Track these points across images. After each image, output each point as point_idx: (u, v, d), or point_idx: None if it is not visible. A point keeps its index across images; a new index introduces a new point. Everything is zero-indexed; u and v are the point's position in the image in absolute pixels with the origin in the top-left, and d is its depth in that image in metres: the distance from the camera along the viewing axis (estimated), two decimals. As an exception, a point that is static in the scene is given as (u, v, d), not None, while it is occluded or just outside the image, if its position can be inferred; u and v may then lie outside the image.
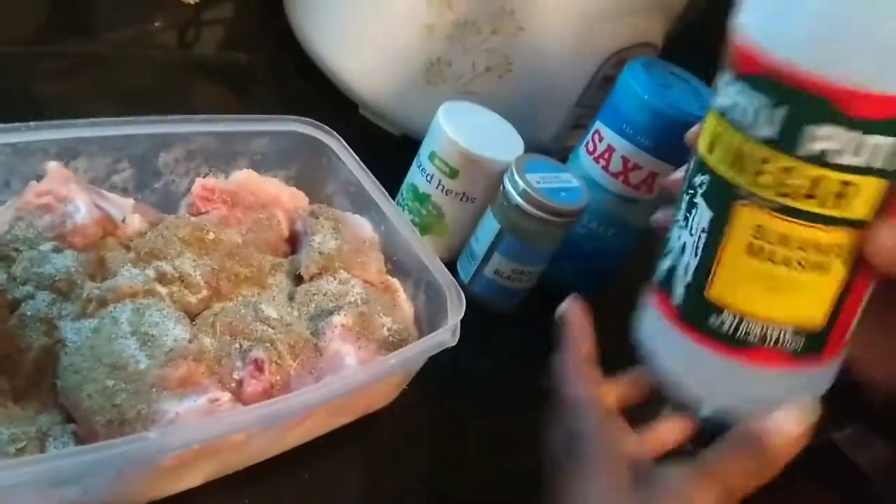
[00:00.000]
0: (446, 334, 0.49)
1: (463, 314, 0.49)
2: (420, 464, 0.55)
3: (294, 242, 0.57)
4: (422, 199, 0.65)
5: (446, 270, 0.52)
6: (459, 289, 0.51)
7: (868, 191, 0.32)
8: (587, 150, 0.64)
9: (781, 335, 0.35)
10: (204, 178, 0.55)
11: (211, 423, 0.40)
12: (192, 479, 0.44)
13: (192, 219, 0.51)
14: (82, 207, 0.47)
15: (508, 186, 0.60)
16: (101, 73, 0.76)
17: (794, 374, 0.36)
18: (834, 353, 0.37)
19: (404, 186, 0.66)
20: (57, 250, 0.46)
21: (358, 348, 0.47)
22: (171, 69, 0.80)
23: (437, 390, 0.57)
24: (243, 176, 0.56)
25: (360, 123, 0.79)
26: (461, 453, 0.57)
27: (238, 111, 0.80)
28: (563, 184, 0.61)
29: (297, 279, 0.54)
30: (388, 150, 0.77)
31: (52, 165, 0.48)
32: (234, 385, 0.45)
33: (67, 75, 0.75)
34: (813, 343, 0.36)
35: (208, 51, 0.84)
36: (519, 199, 0.59)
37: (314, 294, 0.51)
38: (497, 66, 0.69)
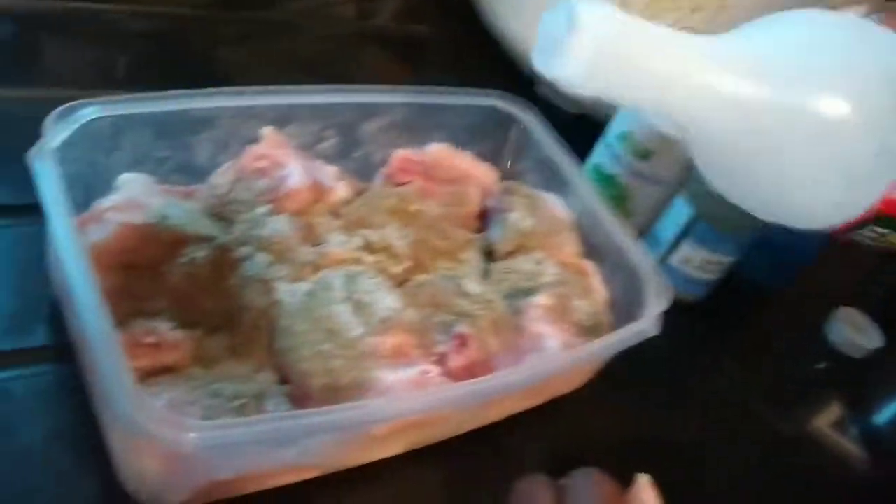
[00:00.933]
0: (648, 324, 0.47)
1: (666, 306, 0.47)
2: (602, 449, 0.54)
3: (484, 219, 0.56)
4: (606, 180, 0.63)
5: (648, 256, 0.50)
6: (662, 276, 0.49)
7: None
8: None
9: None
10: (401, 149, 0.55)
11: (426, 396, 0.40)
12: (395, 447, 0.44)
13: (396, 189, 0.51)
14: (295, 173, 0.48)
15: (707, 171, 0.57)
16: (282, 41, 0.78)
17: None
18: None
19: (586, 166, 0.65)
20: (272, 214, 0.47)
21: (560, 331, 0.46)
22: (348, 39, 0.81)
23: (620, 378, 0.55)
24: (438, 149, 0.56)
25: (535, 99, 0.78)
26: (643, 441, 0.55)
27: (413, 83, 0.80)
28: (766, 171, 0.58)
29: (488, 255, 0.54)
30: (561, 129, 0.75)
31: (268, 130, 0.49)
32: (436, 358, 0.45)
33: (249, 41, 0.77)
34: None
35: (385, 22, 0.85)
36: (718, 185, 0.56)
37: (509, 272, 0.51)
38: (693, 45, 0.65)
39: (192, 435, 0.33)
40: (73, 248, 0.37)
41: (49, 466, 0.41)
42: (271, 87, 0.48)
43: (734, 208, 0.57)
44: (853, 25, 0.36)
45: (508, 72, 0.77)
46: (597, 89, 0.32)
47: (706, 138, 0.35)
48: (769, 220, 0.38)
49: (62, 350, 0.44)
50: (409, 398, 0.39)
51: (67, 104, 0.42)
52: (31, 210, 0.42)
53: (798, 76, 0.34)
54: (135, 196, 0.43)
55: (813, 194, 0.36)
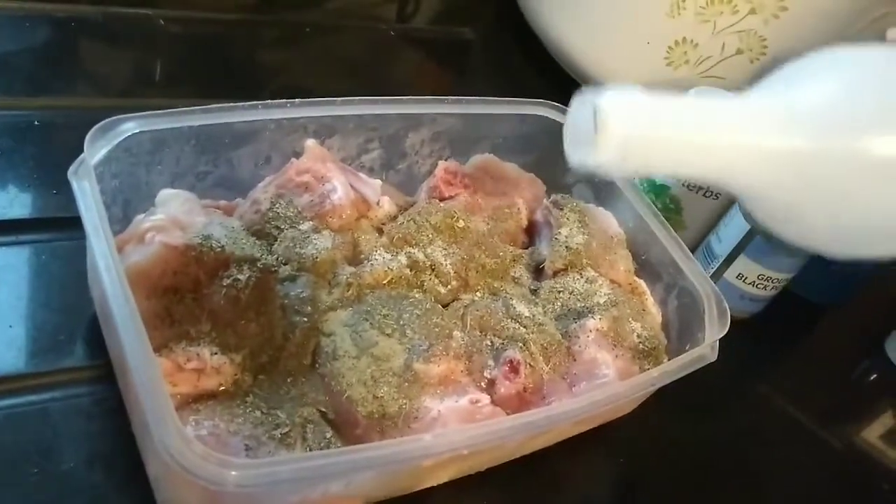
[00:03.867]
0: (707, 349, 0.45)
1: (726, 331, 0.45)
2: (654, 472, 0.52)
3: (531, 233, 0.54)
4: (658, 191, 0.60)
5: (707, 278, 0.48)
6: (723, 300, 0.46)
7: None
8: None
9: None
10: (446, 160, 0.53)
11: (477, 430, 0.37)
12: (440, 477, 0.43)
13: (442, 205, 0.49)
14: (339, 188, 0.46)
15: (766, 185, 0.55)
16: (321, 43, 0.76)
17: None
18: None
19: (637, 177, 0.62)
20: (315, 230, 0.45)
21: (615, 357, 0.44)
22: (388, 41, 0.79)
23: (670, 397, 0.53)
24: (484, 160, 0.54)
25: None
26: (697, 463, 0.53)
27: (456, 87, 0.78)
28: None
29: (537, 272, 0.52)
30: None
31: (310, 143, 0.47)
32: (485, 383, 0.43)
33: (287, 44, 0.76)
34: None
35: (426, 24, 0.83)
36: (778, 200, 0.54)
37: (559, 291, 0.49)
38: (750, 49, 0.63)
39: (233, 473, 0.32)
40: (113, 271, 0.35)
41: (86, 491, 0.40)
42: (314, 100, 0.47)
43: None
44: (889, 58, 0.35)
45: (554, 74, 0.75)
46: (634, 171, 0.33)
47: (759, 195, 0.34)
48: (836, 258, 0.36)
49: (101, 370, 0.43)
50: (459, 432, 0.37)
51: (107, 120, 0.41)
52: (72, 224, 0.41)
53: (845, 121, 0.32)
54: (175, 214, 0.41)
55: (879, 231, 0.35)
